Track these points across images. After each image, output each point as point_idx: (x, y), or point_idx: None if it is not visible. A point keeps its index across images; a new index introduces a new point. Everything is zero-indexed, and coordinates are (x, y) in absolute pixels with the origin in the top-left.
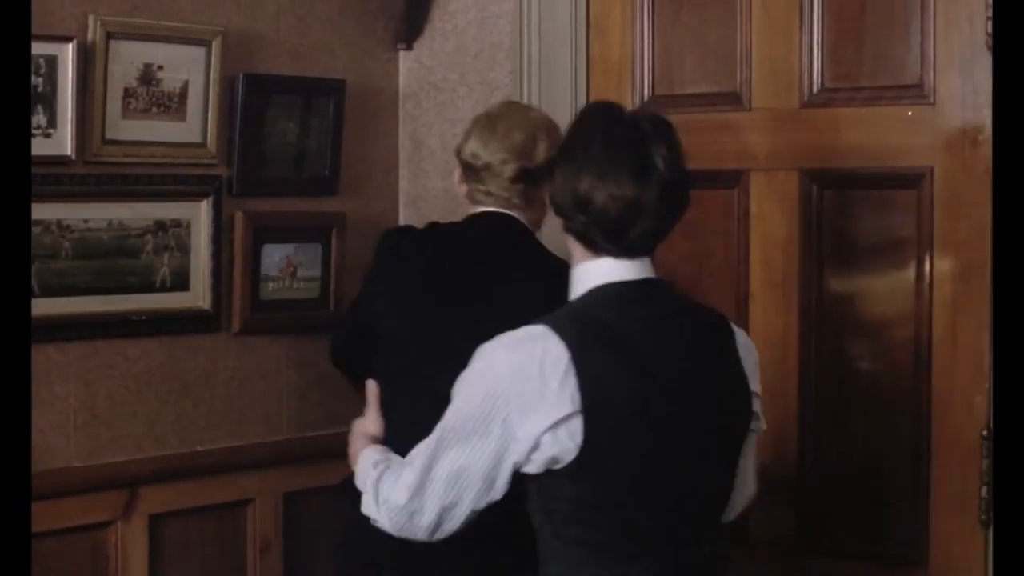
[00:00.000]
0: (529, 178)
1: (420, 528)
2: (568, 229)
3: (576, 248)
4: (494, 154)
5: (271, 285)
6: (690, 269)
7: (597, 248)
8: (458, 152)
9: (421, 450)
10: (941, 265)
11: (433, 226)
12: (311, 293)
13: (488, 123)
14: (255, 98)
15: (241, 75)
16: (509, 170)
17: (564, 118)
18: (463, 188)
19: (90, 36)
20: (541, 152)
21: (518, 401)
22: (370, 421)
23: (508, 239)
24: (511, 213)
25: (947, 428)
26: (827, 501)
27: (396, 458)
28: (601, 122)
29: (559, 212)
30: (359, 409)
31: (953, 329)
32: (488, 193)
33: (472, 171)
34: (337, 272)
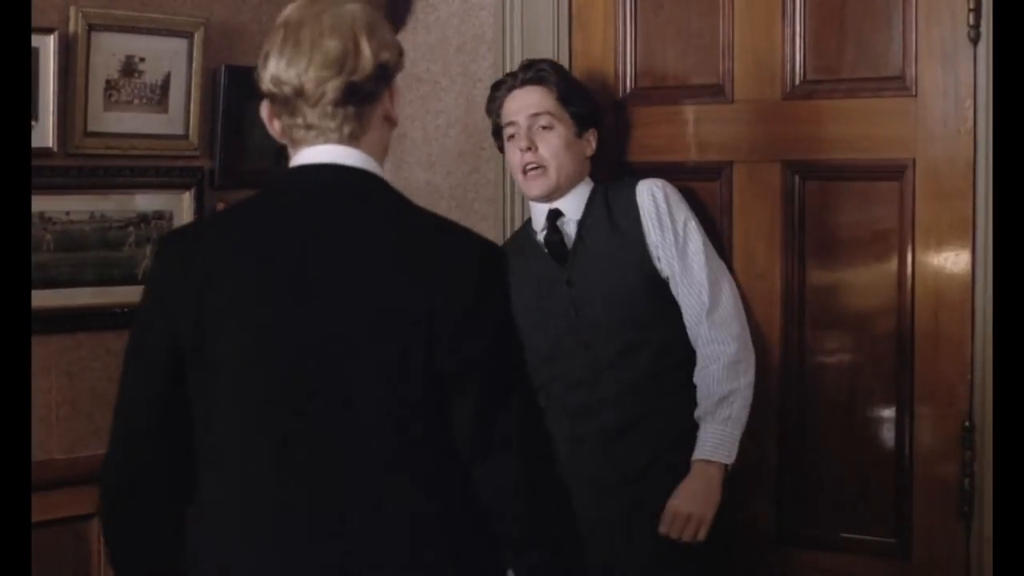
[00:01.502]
0: (359, 95)
1: None
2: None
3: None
4: (304, 73)
5: None
6: None
7: None
8: (258, 80)
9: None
10: (923, 257)
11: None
12: None
13: (289, 34)
14: (237, 90)
15: (223, 67)
16: (331, 90)
17: None
18: (276, 125)
19: (72, 28)
20: (367, 57)
21: None
22: None
23: (341, 193)
24: (345, 163)
25: (929, 420)
26: (809, 493)
27: None
28: None
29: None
30: None
31: (935, 321)
32: (309, 127)
33: (281, 102)
34: None
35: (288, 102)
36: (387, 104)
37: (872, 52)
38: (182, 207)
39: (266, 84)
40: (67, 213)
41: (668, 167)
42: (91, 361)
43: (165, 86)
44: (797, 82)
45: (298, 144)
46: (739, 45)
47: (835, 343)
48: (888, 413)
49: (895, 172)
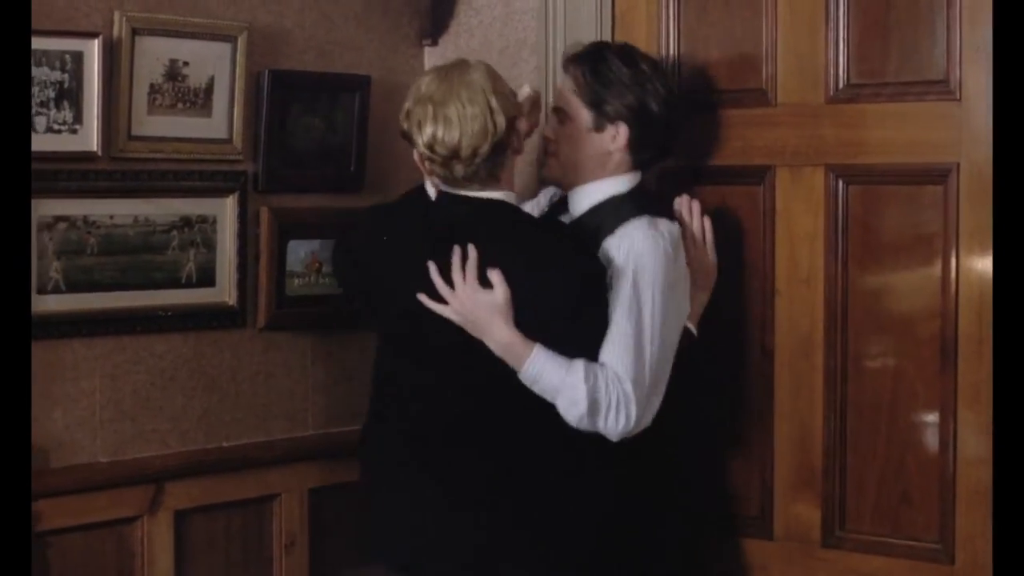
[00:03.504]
0: (499, 148)
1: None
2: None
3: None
4: (459, 142)
5: (296, 281)
6: None
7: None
8: (406, 137)
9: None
10: (967, 261)
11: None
12: (336, 289)
13: (437, 109)
14: (281, 94)
15: (267, 71)
16: (481, 153)
17: None
18: (427, 166)
19: (116, 32)
20: (501, 117)
21: None
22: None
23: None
24: (494, 195)
25: (972, 424)
26: (852, 496)
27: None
28: None
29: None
30: None
31: (979, 325)
32: (464, 177)
33: (437, 161)
34: None
35: (444, 161)
36: (514, 143)
37: (916, 56)
38: (225, 211)
39: (422, 148)
40: (111, 217)
41: (710, 170)
42: (134, 364)
43: (209, 90)
44: (840, 86)
45: (449, 185)
46: (782, 48)
47: (879, 347)
48: (932, 417)
49: (939, 176)
